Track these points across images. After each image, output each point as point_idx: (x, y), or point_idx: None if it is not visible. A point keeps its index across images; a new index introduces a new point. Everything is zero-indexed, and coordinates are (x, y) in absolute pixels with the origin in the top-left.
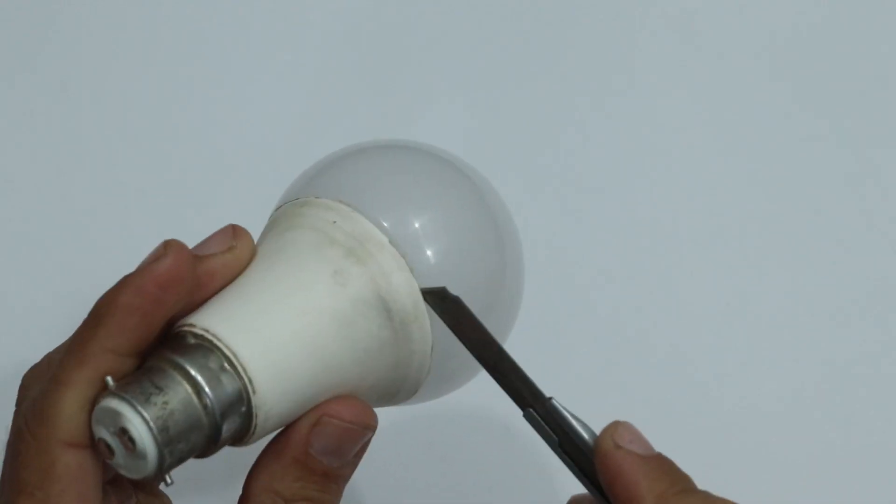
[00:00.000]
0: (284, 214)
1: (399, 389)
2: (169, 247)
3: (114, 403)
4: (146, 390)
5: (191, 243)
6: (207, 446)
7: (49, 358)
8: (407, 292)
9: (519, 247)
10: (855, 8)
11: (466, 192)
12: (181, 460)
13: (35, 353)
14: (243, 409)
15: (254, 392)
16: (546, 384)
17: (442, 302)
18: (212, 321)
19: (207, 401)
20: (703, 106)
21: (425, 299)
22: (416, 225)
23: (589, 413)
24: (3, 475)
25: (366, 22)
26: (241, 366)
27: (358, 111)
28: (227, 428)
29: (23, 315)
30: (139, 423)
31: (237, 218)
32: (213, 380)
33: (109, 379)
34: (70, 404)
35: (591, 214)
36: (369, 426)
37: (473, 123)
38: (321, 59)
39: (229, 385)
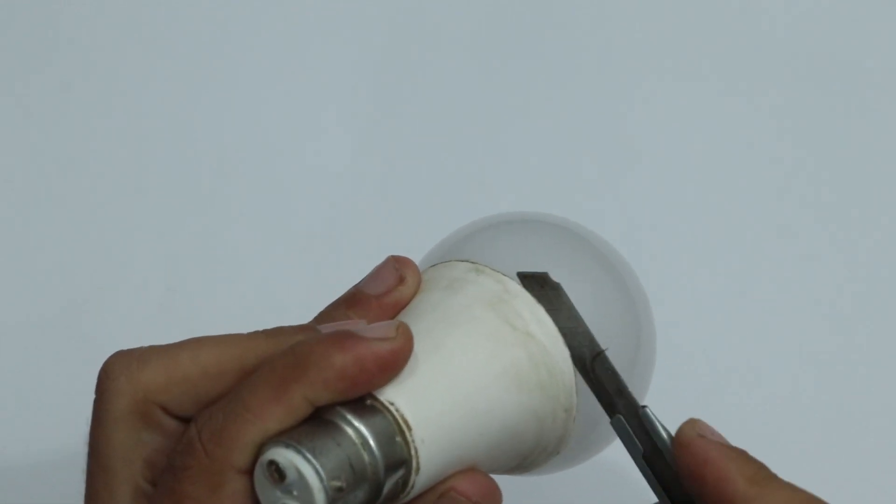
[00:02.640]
0: (455, 272)
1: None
2: (402, 333)
3: (291, 455)
4: (323, 443)
5: (192, 242)
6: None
7: (139, 354)
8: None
9: (649, 310)
10: (859, 7)
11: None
12: None
13: (36, 352)
14: (401, 472)
15: (417, 468)
16: None
17: (541, 288)
18: (389, 387)
19: (376, 461)
20: (704, 112)
21: (523, 284)
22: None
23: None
24: (161, 484)
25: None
26: (412, 438)
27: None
28: (386, 491)
29: (23, 315)
30: (312, 474)
31: (238, 218)
32: (384, 444)
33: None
34: (254, 435)
35: (592, 216)
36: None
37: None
38: (322, 58)
39: (397, 450)
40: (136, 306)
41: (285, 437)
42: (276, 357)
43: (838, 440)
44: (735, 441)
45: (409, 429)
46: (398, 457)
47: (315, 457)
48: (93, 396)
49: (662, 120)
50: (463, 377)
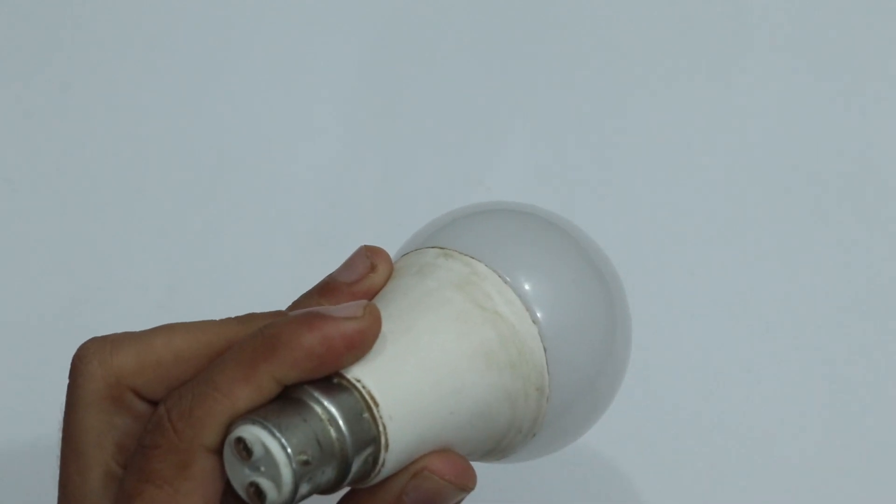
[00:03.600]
0: (425, 258)
1: (507, 442)
2: (369, 312)
3: (257, 430)
4: (290, 420)
5: (192, 242)
6: (336, 483)
7: (113, 339)
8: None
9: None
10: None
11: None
12: (311, 492)
13: (35, 352)
14: (371, 450)
15: (386, 444)
16: None
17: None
18: (357, 366)
19: (344, 438)
20: (704, 109)
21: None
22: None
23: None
24: (130, 464)
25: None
26: (380, 415)
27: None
28: (356, 469)
29: (23, 315)
30: (278, 449)
31: (239, 218)
32: (352, 421)
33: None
34: (223, 414)
35: (591, 213)
36: (466, 487)
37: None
38: (319, 57)
39: (364, 427)
40: (136, 306)
41: (253, 414)
42: (245, 338)
43: (838, 440)
44: (733, 442)
45: (377, 405)
46: (366, 434)
47: (281, 432)
48: None
49: (661, 118)
50: (432, 357)
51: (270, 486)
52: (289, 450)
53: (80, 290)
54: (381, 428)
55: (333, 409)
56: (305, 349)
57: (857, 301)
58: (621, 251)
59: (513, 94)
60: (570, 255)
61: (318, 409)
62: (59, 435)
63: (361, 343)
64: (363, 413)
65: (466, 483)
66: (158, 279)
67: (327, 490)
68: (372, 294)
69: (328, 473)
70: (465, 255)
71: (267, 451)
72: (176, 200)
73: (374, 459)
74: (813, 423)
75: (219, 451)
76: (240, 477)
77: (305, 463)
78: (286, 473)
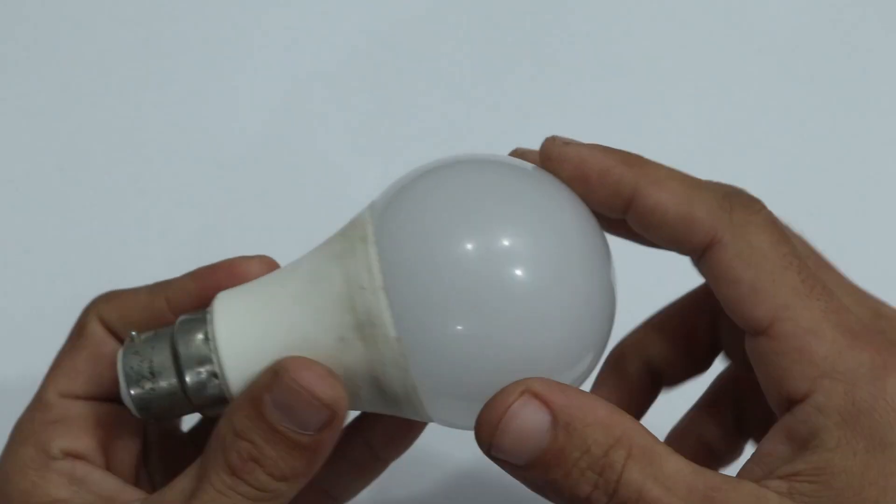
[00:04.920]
0: (354, 227)
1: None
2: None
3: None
4: (145, 348)
5: (192, 243)
6: (182, 392)
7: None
8: (400, 384)
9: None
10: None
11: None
12: (151, 399)
13: (35, 352)
14: (207, 367)
15: (216, 349)
16: None
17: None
18: (220, 303)
19: (181, 358)
20: (703, 108)
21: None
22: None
23: None
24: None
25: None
26: (217, 347)
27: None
28: (192, 381)
29: (23, 315)
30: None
31: (238, 219)
32: (188, 343)
33: (134, 333)
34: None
35: None
36: (324, 404)
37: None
38: (320, 56)
39: (203, 352)
40: None
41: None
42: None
43: None
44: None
45: (216, 339)
46: (203, 354)
47: (128, 353)
48: None
49: (663, 115)
50: (296, 343)
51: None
52: (132, 335)
53: (81, 289)
54: (215, 352)
55: (178, 321)
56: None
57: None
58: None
59: (517, 92)
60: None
61: (175, 324)
62: None
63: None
64: (207, 338)
65: (322, 396)
66: (158, 279)
67: (178, 404)
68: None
69: (164, 388)
70: (377, 261)
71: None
72: (177, 200)
73: (215, 374)
74: None
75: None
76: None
77: (132, 339)
78: (120, 353)
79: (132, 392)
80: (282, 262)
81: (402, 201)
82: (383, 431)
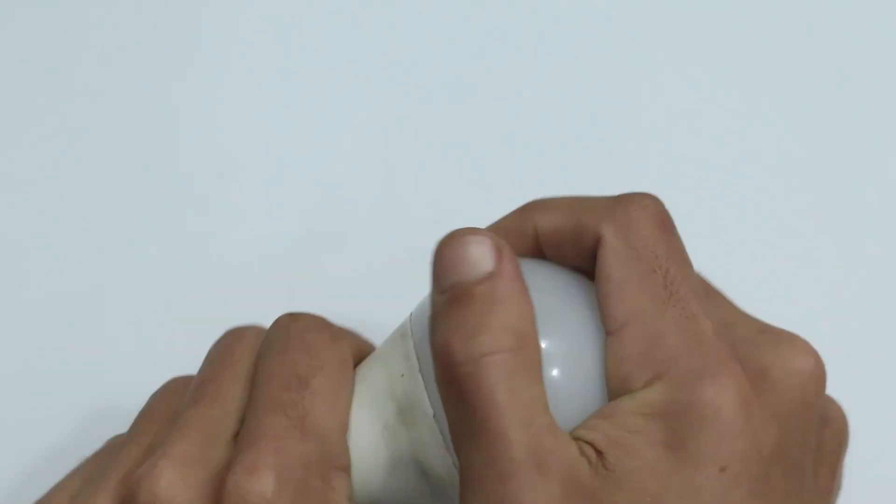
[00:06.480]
0: (397, 331)
1: None
2: None
3: None
4: None
5: (192, 242)
6: None
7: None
8: (442, 464)
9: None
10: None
11: None
12: None
13: (36, 351)
14: None
15: None
16: None
17: None
18: None
19: None
20: (704, 106)
21: None
22: None
23: None
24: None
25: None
26: None
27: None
28: None
29: (23, 314)
30: None
31: (240, 218)
32: None
33: None
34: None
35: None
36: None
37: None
38: (323, 59)
39: None
40: (136, 306)
41: None
42: None
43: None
44: None
45: None
46: None
47: None
48: (91, 395)
49: (667, 115)
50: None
51: None
52: None
53: (80, 289)
54: None
55: None
56: None
57: (858, 298)
58: None
59: (524, 94)
60: None
61: None
62: (60, 434)
63: None
64: None
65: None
66: (158, 279)
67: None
68: None
69: None
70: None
71: None
72: (177, 200)
73: None
74: None
75: None
76: None
77: None
78: None
79: None
80: (282, 264)
81: None
82: None
